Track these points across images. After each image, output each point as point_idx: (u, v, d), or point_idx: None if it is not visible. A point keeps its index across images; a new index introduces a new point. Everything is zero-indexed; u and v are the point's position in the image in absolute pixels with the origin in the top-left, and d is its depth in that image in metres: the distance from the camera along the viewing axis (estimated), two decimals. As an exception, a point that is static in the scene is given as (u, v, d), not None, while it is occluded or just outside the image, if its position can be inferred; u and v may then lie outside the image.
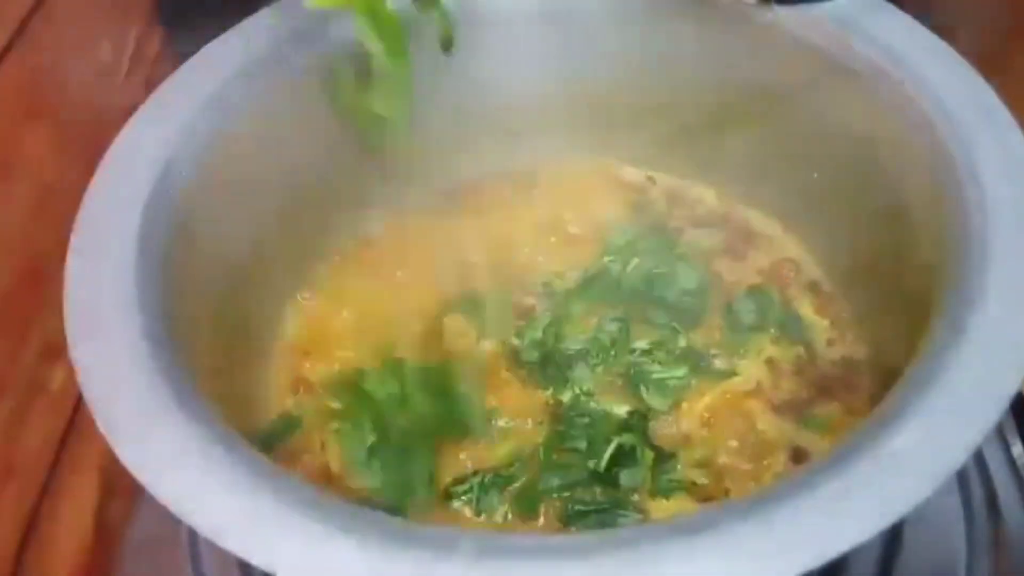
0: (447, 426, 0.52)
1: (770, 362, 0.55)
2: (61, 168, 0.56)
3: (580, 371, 0.54)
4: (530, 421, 0.53)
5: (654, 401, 0.53)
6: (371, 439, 0.52)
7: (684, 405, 0.53)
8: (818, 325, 0.57)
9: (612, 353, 0.55)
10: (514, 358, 0.55)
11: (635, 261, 0.60)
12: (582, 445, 0.51)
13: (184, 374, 0.40)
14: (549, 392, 0.54)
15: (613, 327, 0.56)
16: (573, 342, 0.56)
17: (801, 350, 0.56)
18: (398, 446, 0.52)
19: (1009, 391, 0.36)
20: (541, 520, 0.49)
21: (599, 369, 0.55)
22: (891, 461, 0.34)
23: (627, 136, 0.65)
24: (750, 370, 0.55)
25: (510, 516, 0.50)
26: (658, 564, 0.32)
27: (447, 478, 0.51)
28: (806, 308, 0.58)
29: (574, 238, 0.61)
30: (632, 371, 0.54)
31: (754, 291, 0.58)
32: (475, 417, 0.53)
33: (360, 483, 0.51)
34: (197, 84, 0.50)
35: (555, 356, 0.55)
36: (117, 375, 0.38)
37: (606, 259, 0.60)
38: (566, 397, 0.54)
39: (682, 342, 0.56)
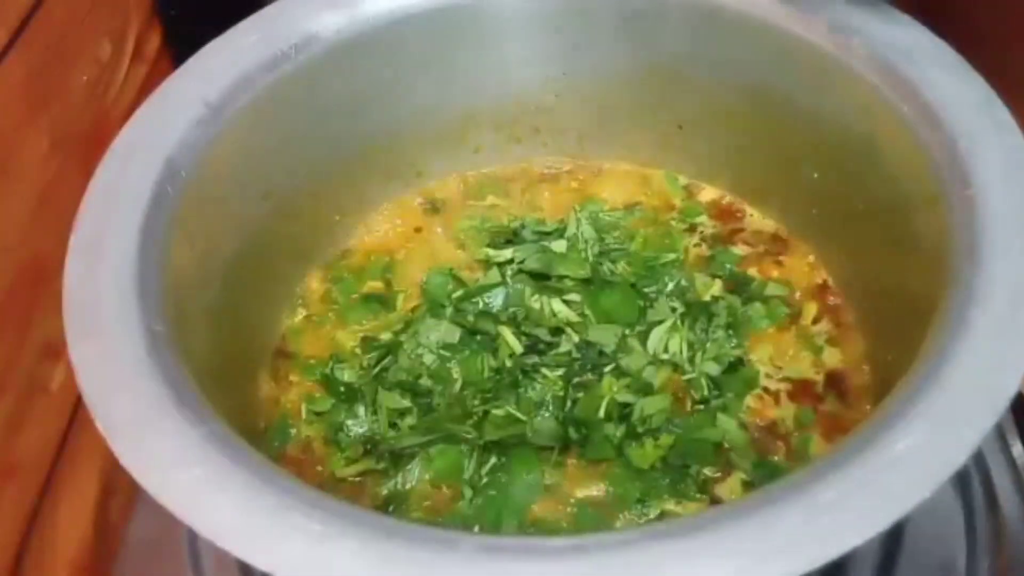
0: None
1: (773, 361, 0.55)
2: (61, 168, 0.56)
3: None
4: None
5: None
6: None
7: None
8: (819, 324, 0.57)
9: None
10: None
11: (638, 262, 0.59)
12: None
13: (183, 374, 0.40)
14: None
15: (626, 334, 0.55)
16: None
17: (802, 349, 0.56)
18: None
19: (1009, 391, 0.36)
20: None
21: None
22: (892, 462, 0.34)
23: (628, 136, 0.65)
24: (754, 367, 0.55)
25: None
26: (658, 565, 0.32)
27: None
28: (807, 307, 0.58)
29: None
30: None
31: (753, 289, 0.58)
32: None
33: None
34: (196, 84, 0.50)
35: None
36: (117, 375, 0.38)
37: (610, 261, 0.60)
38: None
39: (685, 341, 0.55)
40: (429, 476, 0.51)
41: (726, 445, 0.51)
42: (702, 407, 0.53)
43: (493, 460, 0.51)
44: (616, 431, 0.51)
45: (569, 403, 0.52)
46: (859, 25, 0.51)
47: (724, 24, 0.55)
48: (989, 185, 0.43)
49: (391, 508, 0.50)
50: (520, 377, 0.53)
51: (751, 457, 0.51)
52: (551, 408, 0.52)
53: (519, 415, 0.52)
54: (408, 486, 0.51)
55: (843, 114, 0.52)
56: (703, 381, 0.53)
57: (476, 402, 0.53)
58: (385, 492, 0.51)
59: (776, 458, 0.51)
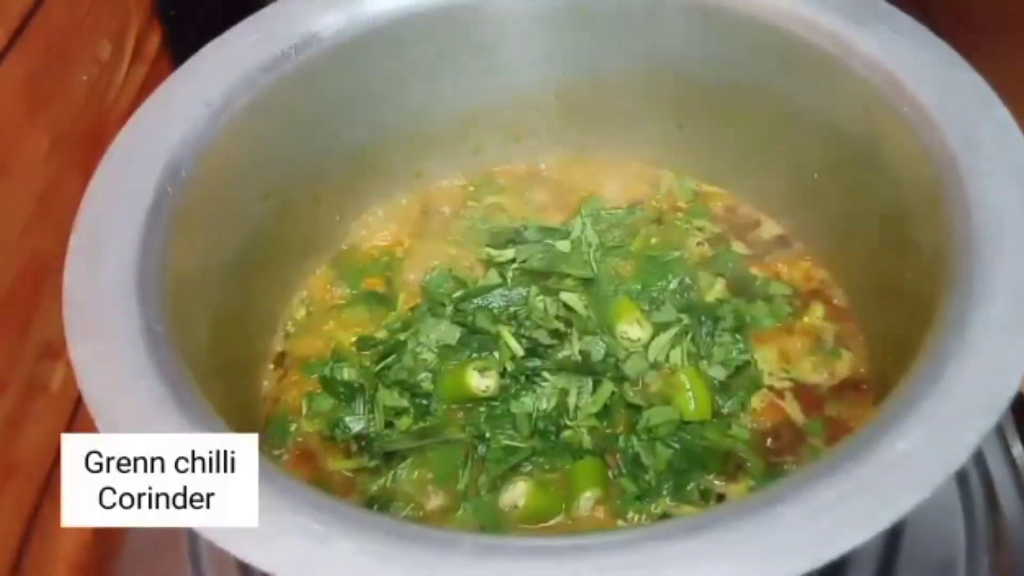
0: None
1: (777, 361, 0.55)
2: (61, 168, 0.56)
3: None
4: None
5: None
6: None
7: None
8: (820, 324, 0.57)
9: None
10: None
11: (642, 260, 0.59)
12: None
13: (183, 374, 0.40)
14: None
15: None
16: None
17: (805, 349, 0.56)
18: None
19: (1009, 391, 0.36)
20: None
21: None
22: (892, 462, 0.34)
23: (628, 136, 0.65)
24: (758, 367, 0.55)
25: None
26: (658, 565, 0.32)
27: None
28: (808, 307, 0.58)
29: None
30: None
31: (756, 288, 0.58)
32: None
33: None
34: (196, 84, 0.50)
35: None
36: (117, 375, 0.38)
37: (611, 261, 0.60)
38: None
39: (688, 342, 0.55)
40: (418, 477, 0.51)
41: (738, 453, 0.51)
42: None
43: (490, 478, 0.50)
44: (620, 436, 0.51)
45: (571, 410, 0.52)
46: (859, 25, 0.51)
47: (724, 25, 0.55)
48: (989, 185, 0.43)
49: (375, 507, 0.50)
50: (523, 380, 0.53)
51: (760, 465, 0.50)
52: (552, 419, 0.52)
53: (518, 444, 0.51)
54: (396, 485, 0.51)
55: (843, 115, 0.52)
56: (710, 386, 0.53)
57: (482, 409, 0.53)
58: (374, 488, 0.51)
59: (785, 466, 0.51)
